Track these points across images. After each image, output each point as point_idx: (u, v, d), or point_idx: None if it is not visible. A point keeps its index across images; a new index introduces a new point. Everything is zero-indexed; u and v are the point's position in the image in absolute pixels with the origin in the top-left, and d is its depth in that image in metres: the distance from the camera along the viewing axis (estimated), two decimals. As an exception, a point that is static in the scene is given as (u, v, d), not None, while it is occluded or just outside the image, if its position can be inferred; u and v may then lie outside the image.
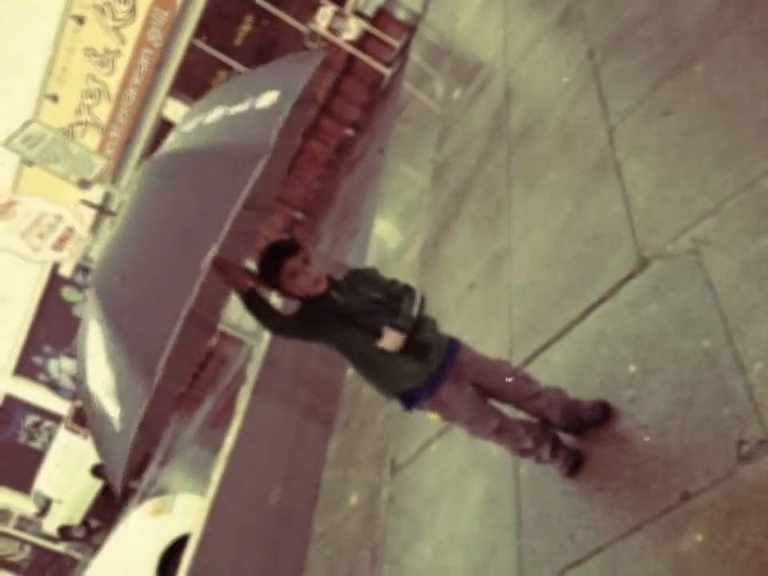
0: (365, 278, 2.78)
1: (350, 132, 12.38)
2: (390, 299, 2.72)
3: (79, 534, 19.29)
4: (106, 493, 17.99)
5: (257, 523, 5.01)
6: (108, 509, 18.31)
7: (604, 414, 2.98)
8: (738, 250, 2.82)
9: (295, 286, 2.61)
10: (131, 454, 2.18)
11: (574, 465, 2.96)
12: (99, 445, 2.52)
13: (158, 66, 14.67)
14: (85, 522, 19.46)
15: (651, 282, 3.17)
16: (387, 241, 7.22)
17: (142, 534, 6.11)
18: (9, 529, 21.06)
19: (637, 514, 2.60)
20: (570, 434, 3.05)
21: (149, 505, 6.62)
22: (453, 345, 2.82)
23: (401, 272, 6.17)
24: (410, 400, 2.76)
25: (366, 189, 9.36)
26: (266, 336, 6.28)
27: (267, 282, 2.62)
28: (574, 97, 4.84)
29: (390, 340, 2.60)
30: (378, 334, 2.61)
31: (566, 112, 4.86)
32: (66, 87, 15.72)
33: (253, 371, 5.93)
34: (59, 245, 6.30)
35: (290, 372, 5.82)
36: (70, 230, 6.36)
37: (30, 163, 7.10)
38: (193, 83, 15.05)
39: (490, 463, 3.53)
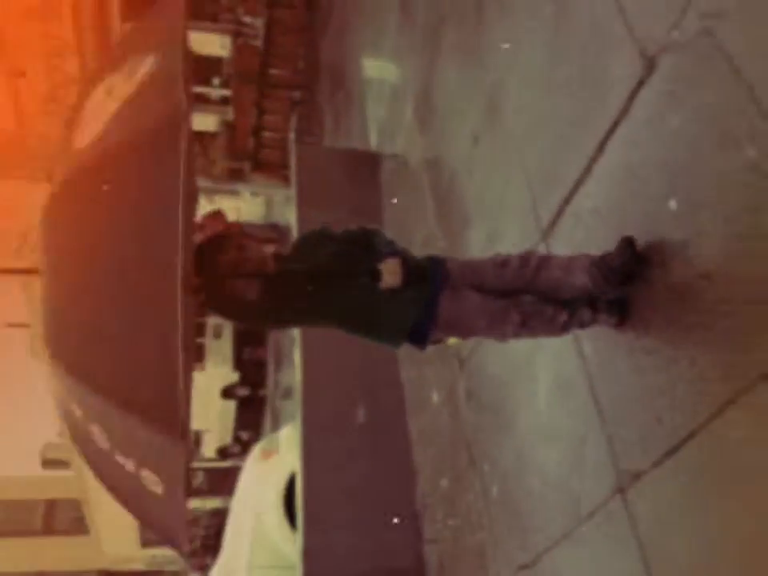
0: (317, 239, 2.55)
1: (311, -16, 11.14)
2: (352, 246, 2.50)
3: (235, 449, 20.71)
4: (242, 408, 19.08)
5: (355, 444, 4.94)
6: (250, 419, 19.49)
7: (632, 251, 2.49)
8: (765, 13, 2.12)
9: (244, 276, 2.29)
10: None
11: (620, 310, 2.60)
12: (146, 522, 2.35)
13: (100, -3, 13.59)
14: (236, 438, 20.88)
15: (665, 86, 2.51)
16: (383, 103, 6.50)
17: (259, 480, 6.28)
18: (178, 464, 22.91)
19: (726, 385, 2.16)
20: (617, 291, 2.61)
21: (257, 449, 6.78)
22: (434, 259, 2.60)
23: (405, 135, 5.55)
24: (420, 336, 2.50)
25: (344, 45, 8.44)
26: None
27: (214, 284, 2.28)
28: None
29: (391, 272, 2.37)
30: (376, 276, 2.38)
31: None
32: (28, 57, 14.88)
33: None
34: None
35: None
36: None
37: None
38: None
39: (552, 345, 3.13)
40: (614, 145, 2.79)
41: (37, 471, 22.58)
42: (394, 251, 2.49)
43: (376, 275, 2.38)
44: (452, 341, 2.60)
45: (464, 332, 2.58)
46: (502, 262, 2.59)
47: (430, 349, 2.61)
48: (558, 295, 2.55)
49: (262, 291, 2.33)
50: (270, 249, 2.39)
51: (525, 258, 2.60)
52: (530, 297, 2.52)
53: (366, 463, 4.81)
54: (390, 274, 2.37)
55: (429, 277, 2.47)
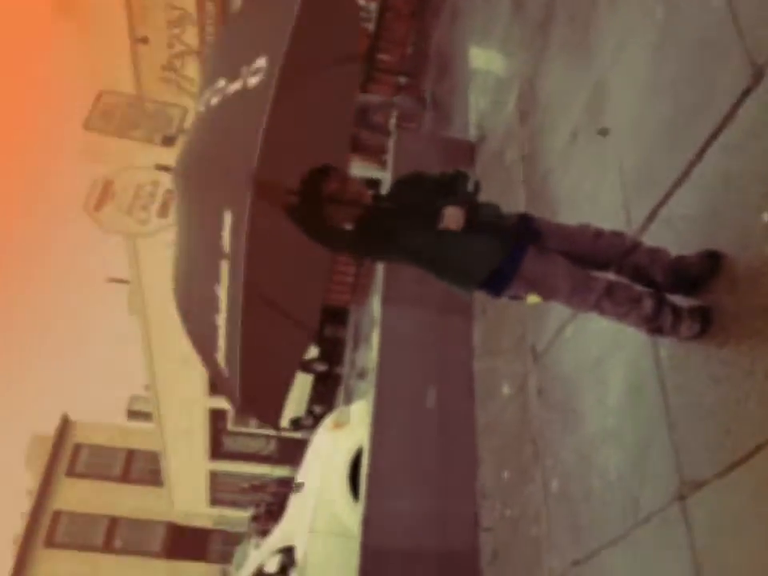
0: (411, 181, 2.71)
1: (427, -29, 11.17)
2: (443, 188, 2.62)
3: (308, 422, 21.19)
4: (318, 383, 19.53)
5: (422, 426, 5.04)
6: (324, 395, 19.92)
7: (713, 265, 2.55)
8: None
9: (341, 206, 2.51)
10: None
11: (703, 319, 2.54)
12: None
13: (223, -28, 14.09)
14: (310, 411, 21.37)
15: (774, 97, 2.46)
16: (486, 94, 6.51)
17: (328, 448, 6.49)
18: (252, 429, 23.73)
19: (798, 403, 2.14)
20: (681, 294, 2.64)
21: (329, 420, 7.00)
22: (525, 216, 2.67)
23: (505, 126, 5.57)
24: (497, 283, 2.57)
25: (454, 34, 8.47)
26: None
27: (315, 212, 2.52)
28: None
29: (451, 217, 2.47)
30: (438, 218, 2.49)
31: None
32: (150, 25, 15.60)
33: (378, 280, 5.83)
34: (163, 211, 6.38)
35: (414, 273, 5.61)
36: (170, 192, 6.35)
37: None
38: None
39: (627, 346, 3.12)
40: (714, 151, 2.75)
41: (122, 421, 23.92)
42: (470, 200, 2.55)
43: (437, 216, 2.47)
44: (531, 300, 2.58)
45: (545, 292, 2.57)
46: (596, 233, 2.65)
47: (505, 300, 2.72)
48: (641, 281, 2.60)
49: (358, 223, 2.54)
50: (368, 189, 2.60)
51: (618, 234, 2.69)
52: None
53: (431, 446, 4.91)
54: (449, 218, 2.45)
55: (514, 230, 2.54)
